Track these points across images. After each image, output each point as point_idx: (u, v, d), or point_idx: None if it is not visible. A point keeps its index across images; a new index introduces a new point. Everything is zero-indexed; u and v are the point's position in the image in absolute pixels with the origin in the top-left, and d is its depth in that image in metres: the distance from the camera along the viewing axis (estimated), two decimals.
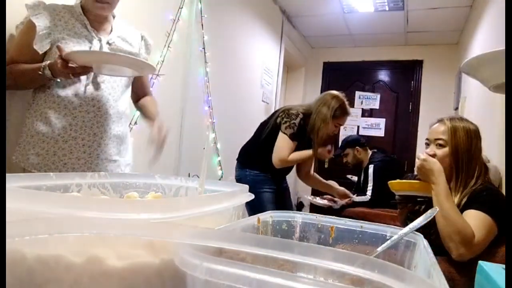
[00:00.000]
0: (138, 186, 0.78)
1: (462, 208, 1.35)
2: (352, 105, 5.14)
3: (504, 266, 0.44)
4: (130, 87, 1.57)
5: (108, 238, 0.40)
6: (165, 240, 0.39)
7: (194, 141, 2.67)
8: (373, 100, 5.02)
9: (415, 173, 1.51)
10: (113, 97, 1.42)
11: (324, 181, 2.68)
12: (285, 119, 2.23)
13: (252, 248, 0.33)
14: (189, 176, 2.56)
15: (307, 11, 4.19)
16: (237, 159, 2.46)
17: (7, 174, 0.54)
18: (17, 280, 0.39)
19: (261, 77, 3.88)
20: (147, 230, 0.37)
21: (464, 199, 1.37)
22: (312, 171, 2.59)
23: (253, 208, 2.32)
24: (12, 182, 0.56)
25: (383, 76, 5.07)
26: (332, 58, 5.30)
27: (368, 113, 5.02)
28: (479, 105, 2.83)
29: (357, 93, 5.08)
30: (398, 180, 1.52)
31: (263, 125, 2.39)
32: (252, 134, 2.43)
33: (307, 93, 5.30)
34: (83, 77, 1.34)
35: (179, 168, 2.57)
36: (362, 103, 5.06)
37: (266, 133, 2.29)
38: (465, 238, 1.24)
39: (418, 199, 1.52)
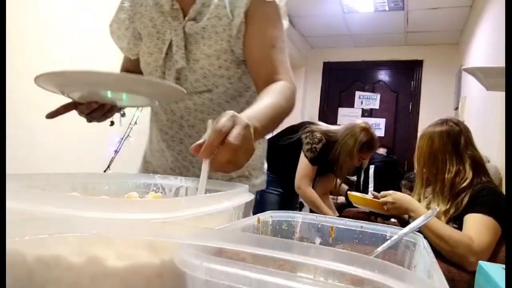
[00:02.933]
0: (138, 186, 0.78)
1: (464, 209, 1.35)
2: (352, 105, 5.15)
3: (504, 266, 0.44)
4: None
5: (108, 238, 0.40)
6: (165, 240, 0.39)
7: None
8: (373, 100, 5.03)
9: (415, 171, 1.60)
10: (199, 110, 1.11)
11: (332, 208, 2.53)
12: (308, 140, 2.20)
13: (252, 248, 0.33)
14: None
15: (307, 11, 4.19)
16: None
17: (7, 174, 0.54)
18: (17, 281, 0.39)
19: None
20: (147, 230, 0.37)
21: (466, 199, 1.37)
22: (328, 195, 2.48)
23: (256, 206, 2.33)
24: (12, 182, 0.56)
25: (383, 76, 5.07)
26: (332, 58, 5.30)
27: (368, 113, 5.02)
28: (479, 105, 2.83)
29: (357, 93, 5.08)
30: (360, 196, 1.77)
31: (289, 131, 2.32)
32: None
33: (307, 93, 5.30)
34: None
35: None
36: (362, 103, 5.06)
37: (289, 141, 2.26)
38: (467, 247, 1.25)
39: (378, 214, 1.70)
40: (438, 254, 1.31)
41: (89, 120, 0.91)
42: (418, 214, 1.38)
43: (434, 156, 1.49)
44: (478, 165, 1.47)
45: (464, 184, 1.40)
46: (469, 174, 1.42)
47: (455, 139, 1.49)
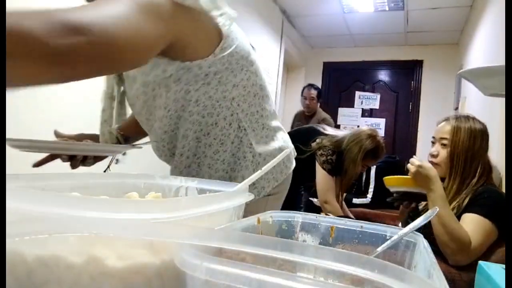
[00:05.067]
0: (138, 186, 0.78)
1: (463, 209, 1.35)
2: (352, 105, 5.15)
3: (504, 266, 0.44)
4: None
5: (108, 238, 0.40)
6: (165, 240, 0.39)
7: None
8: (373, 100, 5.03)
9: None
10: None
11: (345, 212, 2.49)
12: (322, 152, 2.19)
13: (252, 248, 0.33)
14: None
15: (307, 11, 4.19)
16: None
17: (7, 174, 0.54)
18: (17, 281, 0.39)
19: None
20: (147, 230, 0.37)
21: (466, 200, 1.37)
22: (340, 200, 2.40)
23: None
24: (12, 182, 0.56)
25: (383, 76, 5.07)
26: (332, 58, 5.30)
27: (368, 113, 5.02)
28: (479, 105, 2.83)
29: (357, 93, 5.08)
30: (393, 176, 1.52)
31: (296, 135, 2.26)
32: None
33: None
34: None
35: None
36: (362, 103, 5.06)
37: (303, 153, 2.19)
38: (462, 245, 1.24)
39: (414, 197, 1.50)
40: (438, 254, 1.31)
41: (76, 166, 0.93)
42: (433, 197, 1.30)
43: (474, 156, 1.41)
44: (491, 171, 1.45)
45: (476, 187, 1.38)
46: (484, 179, 1.40)
47: (488, 142, 1.44)
